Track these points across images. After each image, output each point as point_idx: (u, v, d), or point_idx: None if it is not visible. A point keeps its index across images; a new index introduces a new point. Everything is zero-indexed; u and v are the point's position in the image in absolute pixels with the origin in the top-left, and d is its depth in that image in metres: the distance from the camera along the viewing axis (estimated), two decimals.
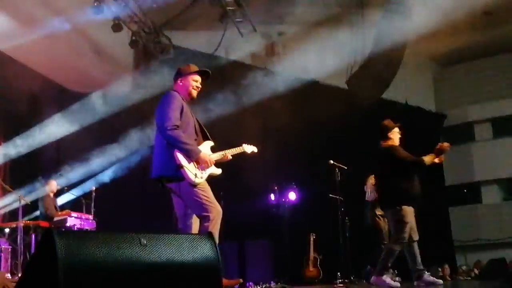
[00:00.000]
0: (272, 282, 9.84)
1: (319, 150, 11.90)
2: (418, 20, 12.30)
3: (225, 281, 4.56)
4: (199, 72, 5.14)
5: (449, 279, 13.82)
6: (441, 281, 7.06)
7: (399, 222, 6.68)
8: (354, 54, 12.11)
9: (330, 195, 9.52)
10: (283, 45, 14.51)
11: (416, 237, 6.87)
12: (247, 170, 10.92)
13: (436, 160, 6.93)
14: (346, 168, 9.39)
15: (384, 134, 7.10)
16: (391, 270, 7.12)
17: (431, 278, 6.80)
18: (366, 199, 9.41)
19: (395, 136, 7.13)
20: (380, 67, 11.94)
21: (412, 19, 11.64)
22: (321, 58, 14.07)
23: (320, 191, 10.75)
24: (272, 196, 11.69)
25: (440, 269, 13.95)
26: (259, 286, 9.13)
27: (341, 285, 9.24)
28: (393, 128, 7.15)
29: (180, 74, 5.11)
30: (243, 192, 11.39)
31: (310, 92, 13.44)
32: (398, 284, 6.83)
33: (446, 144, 6.93)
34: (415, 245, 6.87)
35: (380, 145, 7.14)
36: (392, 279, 7.02)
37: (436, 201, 17.29)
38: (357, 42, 11.98)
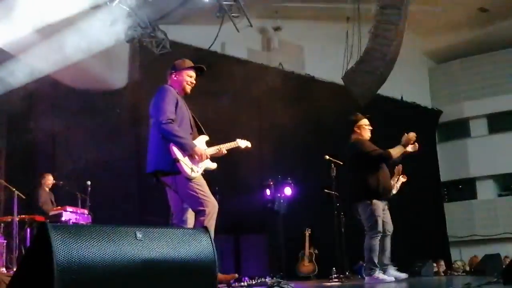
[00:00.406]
0: (267, 277, 9.85)
1: (315, 146, 11.92)
2: (414, 16, 12.33)
3: (220, 276, 4.58)
4: (193, 68, 5.14)
5: (443, 274, 13.86)
6: (404, 275, 7.08)
7: (370, 216, 6.67)
8: (350, 50, 12.09)
9: (326, 190, 9.53)
10: (279, 40, 14.52)
11: (390, 229, 6.94)
12: (243, 165, 10.92)
13: (409, 149, 6.95)
14: (342, 163, 9.39)
15: (351, 127, 7.09)
16: (390, 265, 7.01)
17: (396, 273, 6.84)
18: None
19: (362, 129, 7.09)
20: (376, 63, 11.92)
21: (408, 15, 11.64)
22: (317, 53, 14.12)
23: (316, 186, 10.76)
24: (268, 191, 11.70)
25: (435, 264, 13.98)
26: (254, 281, 9.13)
27: (336, 280, 9.27)
28: (360, 120, 7.11)
29: (174, 68, 5.11)
30: (238, 186, 11.40)
31: (306, 87, 13.47)
32: (392, 278, 6.81)
33: (412, 134, 7.00)
34: (387, 239, 6.91)
35: (349, 139, 7.08)
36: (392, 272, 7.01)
37: (431, 196, 17.39)
38: (353, 38, 11.97)
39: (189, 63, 5.16)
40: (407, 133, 6.98)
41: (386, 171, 6.98)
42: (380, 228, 6.69)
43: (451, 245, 18.12)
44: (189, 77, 5.10)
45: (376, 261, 6.64)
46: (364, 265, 7.12)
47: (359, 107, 12.70)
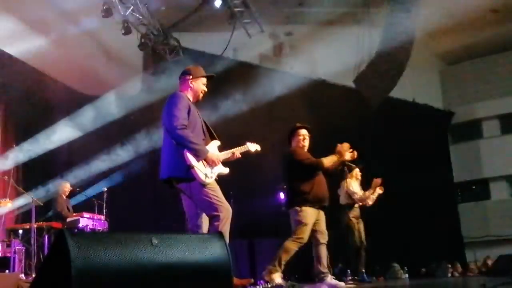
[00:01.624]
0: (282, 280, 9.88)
1: (328, 149, 11.93)
2: (425, 18, 12.33)
3: (236, 280, 4.63)
4: (207, 77, 5.23)
5: (458, 275, 13.83)
6: (343, 284, 6.98)
7: (298, 222, 6.61)
8: (361, 53, 12.13)
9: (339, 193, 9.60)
10: (291, 45, 14.56)
11: (323, 240, 6.82)
12: (256, 169, 10.98)
13: (347, 158, 6.94)
14: (354, 166, 9.46)
15: (288, 138, 7.10)
16: (328, 273, 6.89)
17: (334, 282, 6.76)
18: (340, 202, 9.59)
19: (296, 139, 7.03)
20: (387, 65, 11.96)
21: (419, 17, 11.67)
22: (329, 57, 14.14)
23: (329, 189, 10.79)
24: (282, 195, 11.74)
25: (449, 266, 13.96)
26: (270, 284, 9.17)
27: (351, 282, 9.30)
28: (295, 131, 7.08)
29: (191, 74, 5.16)
30: (252, 191, 11.45)
31: (318, 91, 13.49)
32: (343, 284, 6.89)
33: (345, 144, 6.96)
34: (323, 248, 6.82)
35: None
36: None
37: (445, 198, 17.32)
38: (364, 41, 12.00)
39: (203, 71, 5.24)
40: (340, 144, 6.98)
41: (321, 180, 6.90)
42: (306, 235, 6.61)
43: (465, 246, 18.03)
44: (203, 85, 5.18)
45: (282, 262, 6.54)
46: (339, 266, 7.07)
47: (371, 110, 12.76)
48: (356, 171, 9.69)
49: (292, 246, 6.56)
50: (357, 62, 12.06)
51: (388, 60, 11.84)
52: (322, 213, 6.87)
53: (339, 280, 7.21)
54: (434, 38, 17.57)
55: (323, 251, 6.85)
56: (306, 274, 11.20)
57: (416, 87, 16.71)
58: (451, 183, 18.65)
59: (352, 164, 9.29)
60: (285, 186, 7.34)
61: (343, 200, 9.56)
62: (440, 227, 15.69)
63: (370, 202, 9.46)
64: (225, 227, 4.69)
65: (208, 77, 5.24)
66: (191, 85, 5.12)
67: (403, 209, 14.36)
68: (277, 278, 6.49)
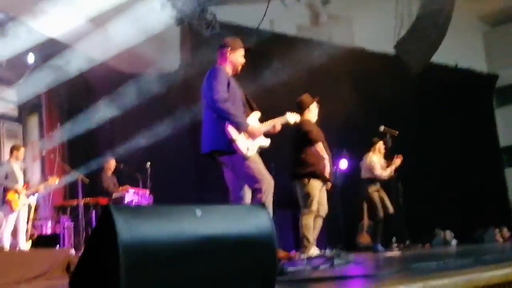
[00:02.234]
0: (327, 249, 9.92)
1: (369, 118, 11.84)
2: None
3: (281, 253, 4.66)
4: (245, 48, 5.22)
5: (507, 240, 13.64)
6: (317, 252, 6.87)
7: (308, 195, 6.73)
8: (401, 18, 11.91)
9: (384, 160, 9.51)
10: (328, 14, 14.39)
11: (322, 212, 6.90)
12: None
13: None
14: (397, 133, 9.36)
15: (300, 109, 7.01)
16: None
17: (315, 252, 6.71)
18: (361, 176, 9.58)
19: (312, 111, 7.14)
20: (428, 30, 11.73)
21: None
22: (368, 24, 13.92)
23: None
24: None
25: (497, 231, 13.78)
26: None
27: (397, 249, 9.29)
28: (311, 103, 7.12)
29: (229, 46, 5.15)
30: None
31: (357, 60, 13.32)
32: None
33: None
34: (318, 220, 6.91)
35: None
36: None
37: (491, 162, 17.03)
38: (404, 6, 11.77)
39: (241, 42, 5.23)
40: None
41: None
42: (314, 207, 6.74)
43: None
44: (241, 58, 5.18)
45: (311, 238, 6.68)
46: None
47: (412, 76, 12.55)
48: (380, 144, 9.56)
49: (309, 220, 6.71)
50: (397, 28, 11.84)
51: (429, 24, 11.62)
52: (324, 187, 6.95)
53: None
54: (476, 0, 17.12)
55: (318, 224, 6.92)
56: (351, 243, 11.24)
57: (458, 51, 16.34)
58: (497, 148, 18.31)
59: (391, 130, 9.22)
60: (290, 156, 7.21)
61: (364, 173, 9.49)
62: (487, 193, 15.47)
63: (386, 177, 9.33)
64: (268, 198, 4.71)
65: (246, 49, 5.22)
66: (229, 58, 5.12)
67: (448, 175, 14.20)
68: (314, 251, 6.62)
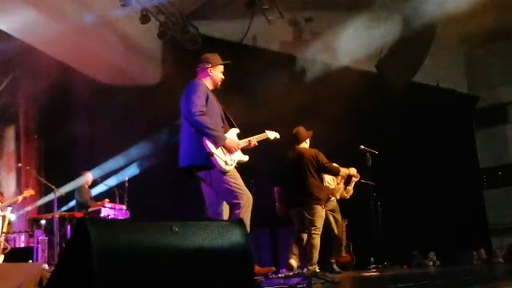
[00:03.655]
0: (305, 268, 9.82)
1: (350, 136, 11.83)
2: (449, 0, 12.11)
3: (257, 268, 4.59)
4: (224, 64, 5.20)
5: (484, 263, 13.66)
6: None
7: (316, 219, 7.41)
8: (383, 37, 11.96)
9: (362, 180, 9.45)
10: (311, 31, 14.42)
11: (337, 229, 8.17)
12: (278, 157, 10.91)
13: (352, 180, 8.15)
14: (377, 152, 9.33)
15: (301, 139, 7.82)
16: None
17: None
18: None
19: (308, 143, 7.94)
20: (410, 49, 11.79)
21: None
22: (350, 42, 13.96)
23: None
24: None
25: (475, 253, 13.81)
26: (292, 272, 9.12)
27: (375, 270, 9.23)
28: (310, 135, 7.94)
29: (209, 63, 5.12)
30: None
31: (339, 77, 13.34)
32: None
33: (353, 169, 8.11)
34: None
35: (295, 148, 7.79)
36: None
37: (470, 184, 17.13)
38: (386, 25, 11.83)
39: (220, 58, 5.22)
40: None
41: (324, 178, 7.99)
42: (321, 229, 7.54)
43: (492, 233, 17.83)
44: (221, 73, 5.16)
45: (312, 262, 7.49)
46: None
47: (394, 95, 12.59)
48: None
49: (317, 241, 7.43)
50: (380, 47, 11.89)
51: (411, 44, 11.67)
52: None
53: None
54: (459, 21, 17.26)
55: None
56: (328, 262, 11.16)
57: (440, 71, 16.48)
58: (477, 169, 18.45)
59: (370, 149, 9.18)
60: (296, 183, 7.69)
61: None
62: (466, 214, 15.53)
63: (338, 196, 9.19)
64: (246, 214, 4.65)
65: (225, 65, 5.20)
66: (210, 73, 5.11)
67: (427, 196, 14.22)
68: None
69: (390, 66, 11.86)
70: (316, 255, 7.42)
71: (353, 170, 8.01)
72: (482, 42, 19.18)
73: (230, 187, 4.70)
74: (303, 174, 7.51)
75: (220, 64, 5.17)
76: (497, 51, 19.32)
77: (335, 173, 7.79)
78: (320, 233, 7.48)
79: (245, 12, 11.09)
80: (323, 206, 7.52)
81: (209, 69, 5.11)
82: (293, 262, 7.59)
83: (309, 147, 7.89)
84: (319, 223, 7.44)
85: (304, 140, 7.79)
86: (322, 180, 7.81)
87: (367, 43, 12.17)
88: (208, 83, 5.08)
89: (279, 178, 7.91)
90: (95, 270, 2.69)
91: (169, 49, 11.74)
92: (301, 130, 7.84)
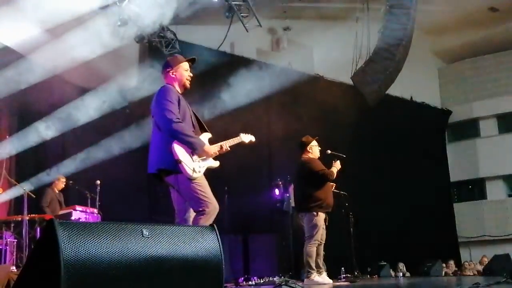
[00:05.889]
0: (276, 276, 9.84)
1: (323, 145, 11.88)
2: (423, 16, 12.27)
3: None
4: (186, 60, 5.12)
5: (453, 274, 13.81)
6: (330, 281, 7.71)
7: (315, 226, 7.50)
8: (359, 49, 12.05)
9: (334, 190, 9.50)
10: (289, 40, 14.50)
11: (324, 239, 7.69)
12: (252, 165, 10.92)
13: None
14: (344, 156, 9.32)
15: (303, 148, 7.94)
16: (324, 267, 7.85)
17: (319, 279, 7.47)
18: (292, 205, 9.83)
19: (313, 149, 7.94)
20: (385, 62, 11.89)
21: (418, 14, 11.62)
22: (327, 53, 14.06)
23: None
24: (277, 191, 11.68)
25: (444, 265, 13.94)
26: (263, 280, 9.13)
27: (345, 280, 9.26)
28: (311, 142, 7.98)
29: (169, 66, 5.05)
30: (247, 186, 11.38)
31: (315, 87, 13.43)
32: (330, 281, 7.68)
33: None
34: (320, 247, 7.67)
35: (300, 158, 7.95)
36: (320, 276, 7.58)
37: (441, 197, 17.33)
38: (363, 37, 11.93)
39: (181, 58, 5.14)
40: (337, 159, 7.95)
41: (329, 188, 7.83)
42: (320, 237, 7.54)
43: (460, 245, 18.05)
44: (186, 71, 5.06)
45: (313, 265, 7.45)
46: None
47: (369, 107, 12.70)
48: None
49: (313, 249, 7.48)
50: (356, 59, 11.99)
51: (386, 57, 11.77)
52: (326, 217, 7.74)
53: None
54: (433, 36, 17.54)
55: (320, 250, 7.66)
56: (301, 271, 11.18)
57: (414, 85, 16.71)
58: (448, 182, 18.67)
59: (338, 154, 9.21)
60: (298, 191, 8.06)
61: (292, 202, 9.63)
62: (436, 226, 15.69)
63: None
64: (208, 222, 4.58)
65: (189, 61, 5.12)
66: (173, 76, 5.02)
67: (398, 207, 14.33)
68: (316, 277, 7.42)
69: (365, 78, 11.95)
70: (311, 264, 7.44)
71: (337, 165, 7.84)
72: (455, 58, 19.48)
73: (196, 195, 4.65)
74: (301, 182, 7.82)
75: (182, 63, 5.08)
76: (470, 67, 19.64)
77: (329, 179, 7.68)
78: (316, 242, 7.50)
79: (223, 19, 11.10)
80: (316, 214, 7.51)
81: (171, 72, 5.04)
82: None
83: (319, 152, 8.00)
84: (314, 231, 7.49)
85: (305, 148, 7.90)
86: (321, 187, 7.65)
87: (344, 55, 12.25)
88: (177, 87, 5.01)
89: None
90: (63, 273, 2.66)
91: (146, 53, 11.71)
92: (304, 139, 8.03)
